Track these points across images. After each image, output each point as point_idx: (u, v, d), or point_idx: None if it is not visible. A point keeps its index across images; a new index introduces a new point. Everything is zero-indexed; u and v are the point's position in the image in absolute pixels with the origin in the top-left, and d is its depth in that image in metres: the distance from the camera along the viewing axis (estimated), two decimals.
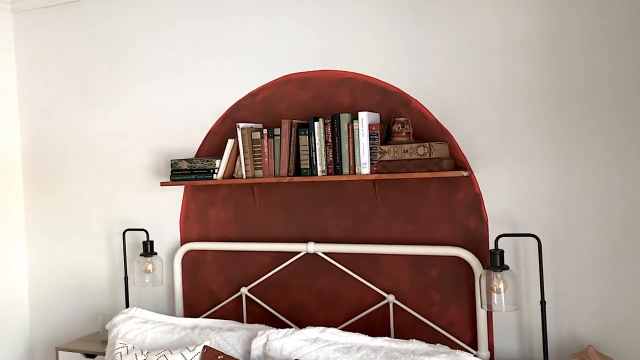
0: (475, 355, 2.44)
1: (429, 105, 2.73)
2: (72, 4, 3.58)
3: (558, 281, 2.53)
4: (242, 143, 2.92)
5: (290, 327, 2.92)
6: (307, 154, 2.80)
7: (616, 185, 2.44)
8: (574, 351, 2.49)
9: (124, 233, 3.30)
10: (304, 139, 2.80)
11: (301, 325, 2.93)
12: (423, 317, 2.74)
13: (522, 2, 2.56)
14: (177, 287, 3.23)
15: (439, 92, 2.71)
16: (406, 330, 2.77)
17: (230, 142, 2.98)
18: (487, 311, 2.58)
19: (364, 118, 2.66)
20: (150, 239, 3.24)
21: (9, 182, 3.71)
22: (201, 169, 3.00)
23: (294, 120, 2.84)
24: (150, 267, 3.18)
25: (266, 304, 3.06)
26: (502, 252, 2.44)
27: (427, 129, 2.73)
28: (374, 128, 2.67)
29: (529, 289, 2.57)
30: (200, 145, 3.23)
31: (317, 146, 2.76)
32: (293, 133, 2.82)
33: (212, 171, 2.97)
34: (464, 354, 2.33)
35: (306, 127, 2.80)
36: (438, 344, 2.46)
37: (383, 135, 2.71)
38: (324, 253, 2.92)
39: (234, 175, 3.00)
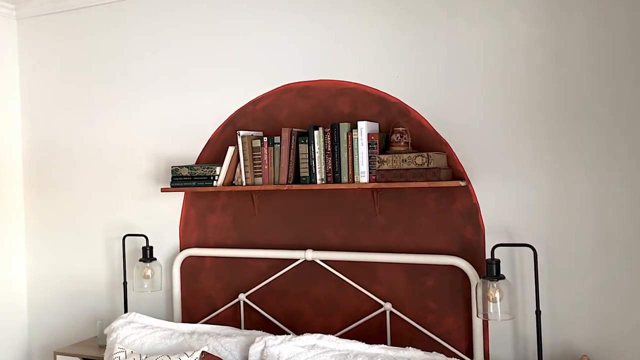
0: None
1: (428, 116, 2.76)
2: (75, 12, 3.62)
3: (553, 291, 2.56)
4: (243, 150, 2.94)
5: (288, 333, 2.94)
6: (306, 162, 2.83)
7: (612, 196, 2.47)
8: None
9: (123, 238, 3.33)
10: (303, 148, 2.84)
11: (299, 332, 2.95)
12: (419, 325, 2.76)
13: (522, 15, 2.59)
14: (176, 292, 3.25)
15: (438, 102, 2.74)
16: (402, 338, 2.79)
17: (231, 149, 3.01)
18: (483, 320, 2.60)
19: (363, 127, 2.69)
20: (149, 244, 3.26)
21: (9, 187, 3.73)
22: (201, 176, 3.03)
23: (294, 129, 2.87)
24: (149, 272, 3.20)
25: (264, 310, 3.08)
26: (498, 261, 2.47)
27: (426, 139, 2.76)
28: (372, 137, 2.70)
29: (524, 298, 2.60)
30: (201, 152, 3.26)
31: (317, 154, 2.79)
32: (293, 141, 2.85)
33: (212, 178, 3.00)
34: None
35: (306, 136, 2.83)
36: (434, 352, 2.48)
37: (382, 144, 2.74)
38: (322, 260, 2.94)
39: (233, 182, 3.02)
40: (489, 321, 2.63)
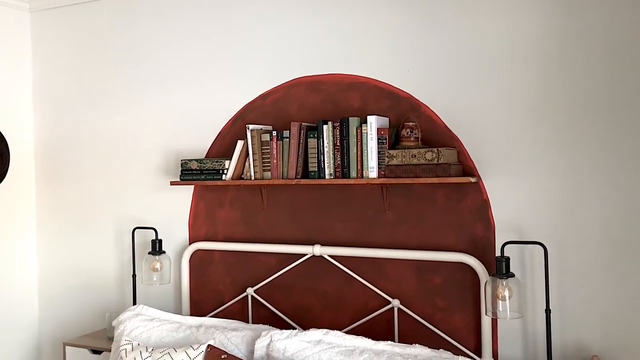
0: None
1: (439, 111, 2.73)
2: (88, 4, 3.63)
3: (563, 289, 2.52)
4: (252, 144, 2.93)
5: (295, 328, 2.93)
6: (315, 156, 2.81)
7: (623, 194, 2.43)
8: None
9: (133, 231, 3.34)
10: (312, 142, 2.82)
11: (306, 327, 2.94)
12: (427, 322, 2.74)
13: (533, 12, 2.55)
14: (184, 285, 3.26)
15: (449, 98, 2.71)
16: (410, 335, 2.77)
17: (240, 143, 3.00)
18: (492, 318, 2.57)
19: (373, 122, 2.67)
20: (159, 237, 3.27)
21: (21, 179, 3.76)
22: (211, 170, 3.03)
23: (303, 123, 2.85)
24: (158, 265, 3.21)
25: (272, 305, 3.08)
26: (508, 259, 2.43)
27: (436, 134, 2.73)
28: (382, 132, 2.67)
29: (534, 296, 2.56)
30: (211, 146, 3.25)
31: (326, 149, 2.77)
32: (302, 136, 2.84)
33: (221, 172, 3.00)
34: None
35: (315, 130, 2.81)
36: (441, 350, 2.45)
37: (391, 139, 2.71)
38: (329, 256, 2.92)
39: (242, 176, 3.02)
40: (498, 319, 2.60)
